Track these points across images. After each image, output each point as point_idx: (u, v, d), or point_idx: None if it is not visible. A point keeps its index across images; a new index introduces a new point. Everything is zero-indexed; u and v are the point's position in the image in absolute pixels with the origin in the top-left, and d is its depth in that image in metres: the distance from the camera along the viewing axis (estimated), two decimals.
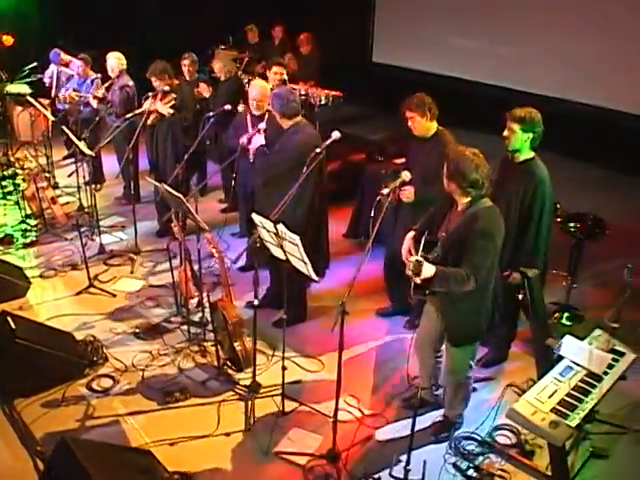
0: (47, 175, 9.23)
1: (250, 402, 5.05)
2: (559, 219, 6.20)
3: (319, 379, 5.51)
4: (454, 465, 4.60)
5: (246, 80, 9.45)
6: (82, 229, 7.29)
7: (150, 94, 7.45)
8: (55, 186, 9.25)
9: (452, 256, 4.20)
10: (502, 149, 5.05)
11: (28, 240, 7.78)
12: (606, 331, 4.49)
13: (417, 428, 4.25)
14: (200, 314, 6.01)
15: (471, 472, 4.54)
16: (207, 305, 5.79)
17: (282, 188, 4.91)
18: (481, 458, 4.66)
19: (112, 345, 5.85)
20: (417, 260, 4.03)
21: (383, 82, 13.17)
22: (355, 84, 12.32)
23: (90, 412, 5.06)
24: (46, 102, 9.58)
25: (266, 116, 6.09)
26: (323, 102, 10.28)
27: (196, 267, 5.99)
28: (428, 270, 4.06)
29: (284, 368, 4.99)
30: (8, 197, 8.97)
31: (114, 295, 6.65)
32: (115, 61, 8.29)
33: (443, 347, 4.78)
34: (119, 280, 6.97)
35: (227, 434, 4.84)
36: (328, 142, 5.06)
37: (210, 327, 5.83)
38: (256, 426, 4.92)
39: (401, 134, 6.30)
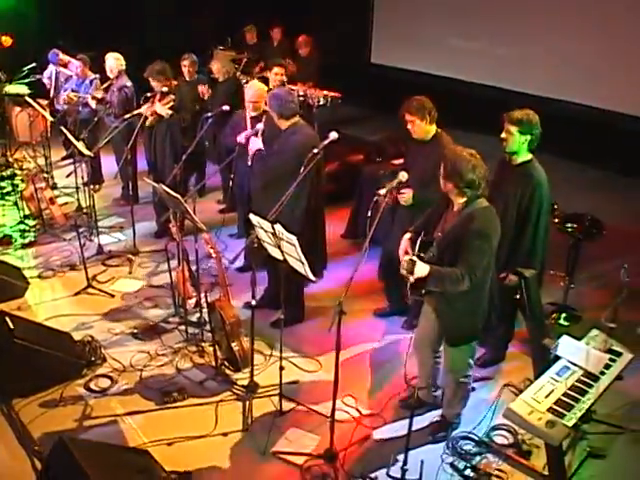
0: (45, 176, 9.23)
1: (248, 402, 5.07)
2: (556, 220, 6.20)
3: (317, 379, 5.51)
4: (451, 465, 4.60)
5: (244, 81, 9.46)
6: (80, 230, 7.30)
7: (148, 95, 7.45)
8: (53, 187, 9.25)
9: (448, 256, 4.21)
10: (500, 150, 5.06)
11: (26, 240, 7.79)
12: (603, 331, 4.49)
13: (415, 428, 4.26)
14: (198, 314, 6.03)
15: (468, 472, 4.54)
16: (205, 305, 5.80)
17: (281, 190, 4.90)
18: (478, 458, 4.67)
19: (110, 345, 5.85)
20: (410, 259, 4.06)
21: (381, 83, 13.21)
22: (353, 85, 12.34)
23: (88, 412, 5.06)
24: (45, 103, 9.60)
25: (264, 118, 6.08)
26: (322, 103, 10.30)
27: (194, 267, 6.00)
28: (421, 269, 4.08)
29: (282, 368, 5.00)
30: (7, 198, 8.96)
31: (112, 295, 6.66)
32: (114, 62, 8.29)
33: (442, 348, 4.79)
34: (117, 280, 6.97)
35: (225, 434, 4.85)
36: (326, 142, 5.06)
37: (208, 327, 5.83)
38: (254, 426, 4.93)
39: (399, 135, 6.31)
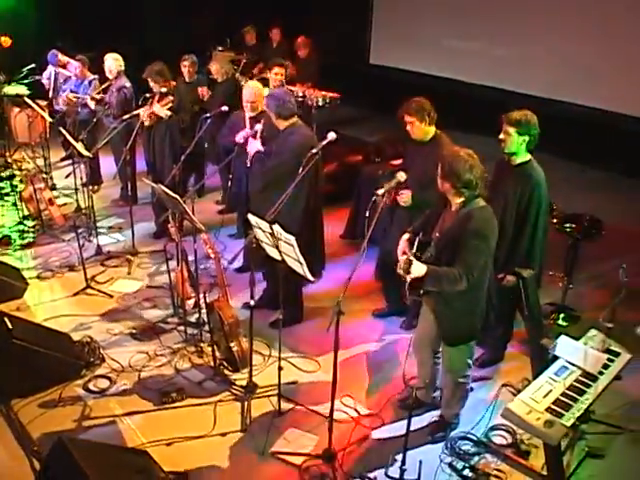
0: (45, 176, 9.22)
1: (246, 402, 5.07)
2: (555, 220, 6.20)
3: (315, 380, 5.51)
4: (450, 465, 4.60)
5: (243, 82, 9.45)
6: (79, 230, 7.28)
7: (147, 95, 7.45)
8: (53, 187, 9.26)
9: (446, 256, 4.22)
10: (499, 151, 5.07)
11: (25, 241, 7.79)
12: (601, 331, 4.50)
13: (414, 428, 4.26)
14: (197, 315, 6.03)
15: (467, 472, 4.54)
16: (204, 306, 5.80)
17: (280, 191, 4.90)
18: (477, 458, 4.67)
19: (109, 346, 5.85)
20: (407, 258, 4.07)
21: (380, 84, 13.23)
22: (352, 85, 12.35)
23: (87, 412, 5.06)
24: (44, 103, 9.59)
25: (262, 121, 6.07)
26: (320, 104, 10.30)
27: (193, 268, 6.00)
28: (418, 269, 4.10)
29: (280, 368, 4.99)
30: (6, 198, 8.96)
31: (111, 296, 6.66)
32: (113, 62, 8.29)
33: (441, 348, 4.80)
34: (116, 281, 6.97)
35: (223, 434, 4.85)
36: (324, 143, 5.07)
37: (207, 328, 5.83)
38: (252, 426, 4.93)
39: (398, 136, 6.31)
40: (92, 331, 6.03)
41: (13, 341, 5.06)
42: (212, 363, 5.59)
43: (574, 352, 4.21)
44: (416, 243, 4.41)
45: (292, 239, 4.30)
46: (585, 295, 6.72)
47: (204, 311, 5.82)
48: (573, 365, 4.15)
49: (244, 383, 5.28)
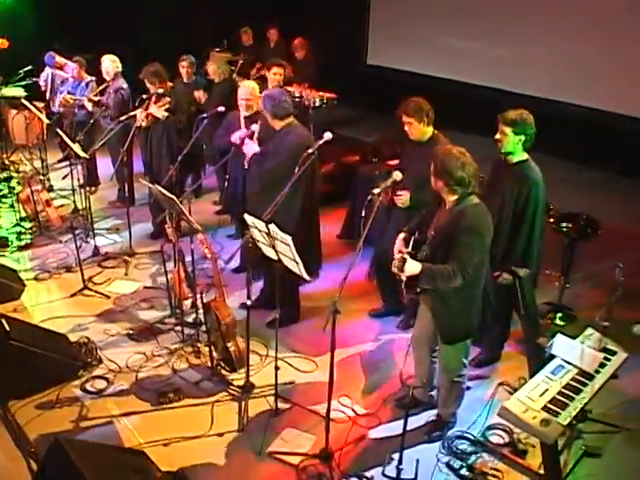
0: (42, 178, 9.23)
1: (243, 402, 5.07)
2: (552, 219, 6.21)
3: (312, 379, 5.51)
4: (447, 464, 4.60)
5: (240, 83, 9.46)
6: (76, 231, 7.27)
7: (144, 96, 7.45)
8: (50, 189, 9.26)
9: (441, 254, 4.23)
10: (497, 151, 5.08)
11: (23, 243, 7.78)
12: (598, 330, 4.51)
13: (411, 427, 4.27)
14: (194, 315, 6.03)
15: (464, 471, 4.54)
16: (201, 306, 5.80)
17: (278, 192, 4.90)
18: (474, 457, 4.67)
19: (106, 346, 5.85)
20: (401, 256, 4.09)
21: (378, 84, 13.23)
22: (350, 86, 12.37)
23: (84, 413, 5.06)
24: (41, 105, 9.59)
25: (259, 121, 6.07)
26: (317, 104, 10.31)
27: (190, 268, 6.00)
28: (412, 267, 4.12)
29: (277, 368, 5.00)
30: (3, 200, 8.95)
31: (108, 297, 6.66)
32: (110, 64, 8.29)
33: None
34: (113, 282, 6.97)
35: (220, 434, 4.85)
36: (320, 143, 5.08)
37: (204, 328, 5.83)
38: (249, 426, 4.93)
39: (396, 136, 6.32)
40: (89, 332, 6.03)
41: (10, 342, 5.05)
42: (209, 363, 5.58)
43: (570, 351, 4.22)
44: (411, 242, 4.42)
45: (288, 239, 4.30)
46: (582, 294, 6.73)
47: (201, 311, 5.82)
48: (569, 364, 4.16)
49: (241, 383, 5.29)
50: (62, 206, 8.81)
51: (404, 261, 4.09)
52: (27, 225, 8.15)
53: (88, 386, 5.35)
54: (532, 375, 4.19)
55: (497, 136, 4.96)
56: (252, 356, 5.42)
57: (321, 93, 10.48)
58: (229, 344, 5.46)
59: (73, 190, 8.27)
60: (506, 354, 5.75)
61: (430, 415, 5.03)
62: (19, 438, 4.75)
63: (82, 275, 6.77)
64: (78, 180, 7.88)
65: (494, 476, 4.50)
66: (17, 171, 9.84)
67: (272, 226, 4.38)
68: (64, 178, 7.96)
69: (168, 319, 6.27)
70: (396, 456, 4.35)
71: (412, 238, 4.44)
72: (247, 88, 6.45)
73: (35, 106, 9.06)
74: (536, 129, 4.90)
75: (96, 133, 8.46)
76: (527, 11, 11.02)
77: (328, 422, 4.51)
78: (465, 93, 11.84)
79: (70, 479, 3.82)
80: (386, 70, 13.59)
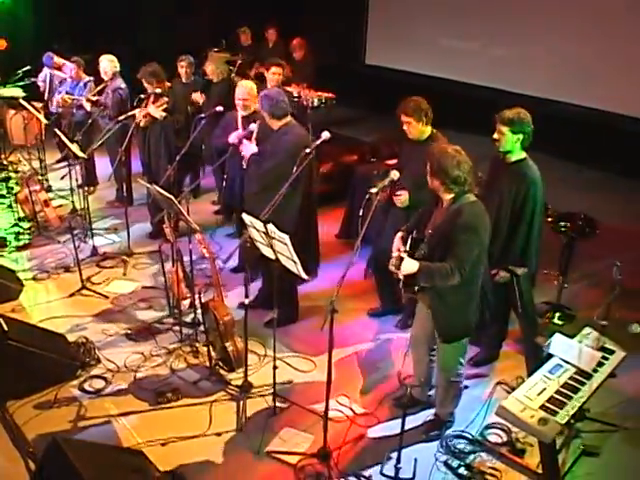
0: (40, 178, 9.22)
1: (242, 402, 5.07)
2: (550, 219, 6.21)
3: (311, 379, 5.51)
4: (445, 463, 4.60)
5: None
6: (75, 232, 7.26)
7: (142, 96, 7.45)
8: (48, 189, 9.24)
9: (438, 252, 4.23)
10: (495, 151, 5.08)
11: (21, 243, 7.78)
12: (595, 329, 4.51)
13: (409, 427, 4.27)
14: (192, 315, 6.03)
15: (462, 470, 4.54)
16: (199, 306, 5.80)
17: (277, 191, 4.92)
18: (472, 456, 4.67)
19: (104, 346, 5.84)
20: (399, 255, 4.09)
21: (376, 84, 13.22)
22: (348, 86, 12.36)
23: (82, 413, 5.05)
24: (39, 105, 9.59)
25: (257, 122, 6.07)
26: (316, 104, 10.31)
27: (188, 268, 6.00)
28: (410, 265, 4.14)
29: (275, 367, 5.00)
30: (1, 200, 8.94)
31: (106, 297, 6.65)
32: (108, 64, 8.29)
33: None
34: (112, 282, 6.97)
35: (219, 434, 4.85)
36: (318, 142, 5.08)
37: (202, 328, 5.83)
38: (248, 426, 4.93)
39: (394, 136, 6.32)
40: (88, 332, 6.02)
41: (8, 342, 5.05)
42: (207, 363, 5.58)
43: (568, 350, 4.23)
44: (409, 241, 4.43)
45: (286, 238, 4.30)
46: (580, 294, 6.73)
47: (199, 311, 5.82)
48: (567, 363, 4.16)
49: (239, 383, 5.29)
50: (60, 206, 8.81)
51: (401, 259, 4.10)
52: (25, 225, 8.15)
53: (86, 386, 5.35)
54: (530, 374, 4.19)
55: (495, 136, 4.96)
56: (250, 356, 5.44)
57: (319, 93, 10.47)
58: (227, 344, 5.46)
59: (71, 190, 8.26)
60: (504, 353, 5.75)
61: (428, 414, 5.03)
62: (17, 438, 4.74)
63: (80, 275, 6.77)
64: (76, 180, 7.87)
65: (492, 475, 4.50)
66: (15, 171, 9.84)
67: (270, 225, 4.38)
68: (62, 178, 7.94)
69: (166, 319, 6.27)
70: (394, 455, 4.35)
71: (410, 237, 4.45)
72: (244, 88, 6.45)
73: (33, 106, 9.07)
74: (535, 129, 4.92)
75: (94, 133, 8.43)
76: (526, 11, 11.00)
77: (326, 421, 4.52)
78: (464, 93, 11.83)
79: (68, 479, 3.82)
80: (384, 70, 13.58)
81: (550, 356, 4.22)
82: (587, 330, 4.51)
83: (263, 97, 5.64)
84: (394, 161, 6.26)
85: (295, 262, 4.42)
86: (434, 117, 5.48)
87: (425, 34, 12.67)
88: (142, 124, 7.43)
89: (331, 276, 6.28)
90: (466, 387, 5.06)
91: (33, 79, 10.28)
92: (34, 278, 7.00)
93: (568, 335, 4.36)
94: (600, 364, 4.21)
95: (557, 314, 6.33)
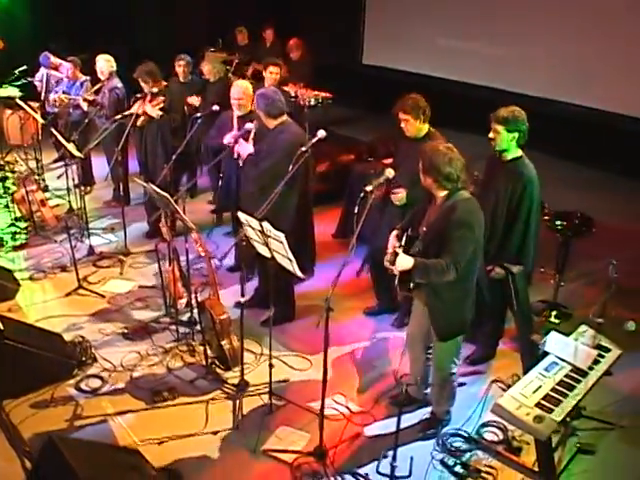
0: (37, 178, 9.22)
1: (238, 400, 5.07)
2: (546, 217, 6.22)
3: (307, 378, 5.52)
4: (441, 462, 4.61)
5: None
6: (71, 231, 7.27)
7: (139, 96, 7.45)
8: (45, 189, 9.24)
9: (433, 249, 4.24)
10: (491, 150, 5.08)
11: (18, 243, 7.77)
12: (591, 327, 4.51)
13: (405, 425, 4.27)
14: (189, 314, 6.02)
15: (458, 468, 4.55)
16: (195, 305, 5.79)
17: (274, 190, 4.92)
18: (468, 454, 4.67)
19: (101, 346, 5.84)
20: (393, 251, 4.11)
21: (373, 83, 13.22)
22: (345, 85, 12.37)
23: (79, 412, 5.05)
24: (36, 105, 9.57)
25: (255, 122, 6.06)
26: (313, 104, 10.30)
27: (185, 267, 6.00)
28: (404, 261, 4.15)
29: (271, 366, 5.00)
30: None
31: (103, 296, 6.65)
32: (104, 63, 8.29)
33: None
34: (108, 281, 6.96)
35: (215, 432, 4.85)
36: (314, 141, 5.09)
37: (198, 327, 5.83)
38: (244, 424, 4.93)
39: (391, 135, 6.32)
40: (84, 331, 6.02)
41: (5, 342, 5.05)
42: (204, 362, 5.58)
43: (564, 348, 4.23)
44: (404, 238, 4.43)
45: (281, 236, 4.31)
46: (576, 292, 6.74)
47: (196, 310, 5.82)
48: (563, 361, 4.16)
49: (236, 381, 5.29)
50: (57, 206, 8.80)
51: (396, 255, 4.11)
52: (22, 225, 8.14)
53: (83, 385, 5.34)
54: (525, 372, 4.19)
55: (490, 135, 4.97)
56: (246, 354, 5.44)
57: (316, 92, 10.47)
58: (224, 342, 5.46)
59: (68, 190, 8.27)
60: (500, 351, 5.75)
61: (424, 413, 5.03)
62: (13, 437, 4.74)
63: (77, 275, 6.77)
64: (73, 180, 7.87)
65: (488, 473, 4.51)
66: (12, 171, 9.84)
67: (265, 224, 4.38)
68: (59, 178, 7.95)
69: (163, 318, 6.26)
70: (390, 454, 4.34)
71: (405, 234, 4.45)
72: (240, 88, 6.44)
73: (30, 106, 9.05)
74: (536, 129, 4.93)
75: (91, 133, 8.43)
76: (524, 11, 11.00)
77: (322, 420, 4.52)
78: (461, 92, 11.84)
79: (64, 478, 3.82)
80: (382, 69, 13.59)
81: (546, 354, 4.22)
82: (583, 328, 4.50)
83: (259, 96, 5.64)
84: (391, 160, 6.26)
85: (291, 260, 4.42)
86: (433, 117, 5.48)
87: (423, 33, 12.68)
88: (139, 123, 7.42)
89: (327, 275, 6.24)
90: (463, 384, 5.08)
91: (30, 79, 10.25)
92: (31, 278, 7.00)
93: (565, 333, 4.36)
94: (596, 362, 4.20)
95: (553, 312, 6.34)
